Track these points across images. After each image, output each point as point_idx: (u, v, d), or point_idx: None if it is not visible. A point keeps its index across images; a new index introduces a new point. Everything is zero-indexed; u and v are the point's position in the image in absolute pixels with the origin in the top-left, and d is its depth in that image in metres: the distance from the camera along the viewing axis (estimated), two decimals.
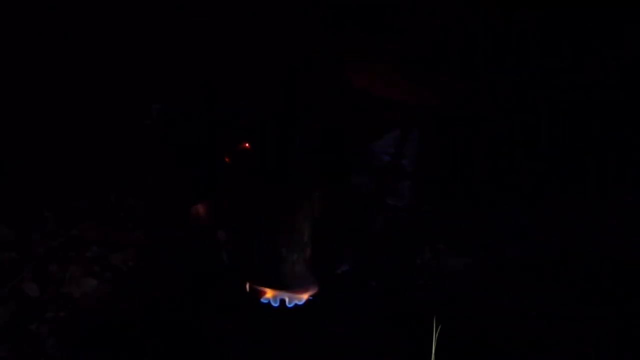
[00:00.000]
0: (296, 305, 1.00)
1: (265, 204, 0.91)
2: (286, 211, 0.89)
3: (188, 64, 1.76)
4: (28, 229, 1.30)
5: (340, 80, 1.09)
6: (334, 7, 1.59)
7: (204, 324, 0.86)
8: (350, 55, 1.12)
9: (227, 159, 0.90)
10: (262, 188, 0.88)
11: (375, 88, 1.36)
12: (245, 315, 1.04)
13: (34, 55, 1.71)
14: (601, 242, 1.27)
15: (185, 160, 1.49)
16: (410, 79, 1.29)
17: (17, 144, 1.50)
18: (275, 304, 0.99)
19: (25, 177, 1.42)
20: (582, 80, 1.39)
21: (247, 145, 0.90)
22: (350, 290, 1.17)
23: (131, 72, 1.74)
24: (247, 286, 1.00)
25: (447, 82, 1.44)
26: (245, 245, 0.96)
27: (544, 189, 1.39)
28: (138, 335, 1.10)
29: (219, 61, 1.72)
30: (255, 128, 0.99)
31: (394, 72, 1.35)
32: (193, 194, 1.38)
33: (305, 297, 1.00)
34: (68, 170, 1.45)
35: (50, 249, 1.26)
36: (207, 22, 1.77)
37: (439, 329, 1.12)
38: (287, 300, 0.99)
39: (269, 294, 0.99)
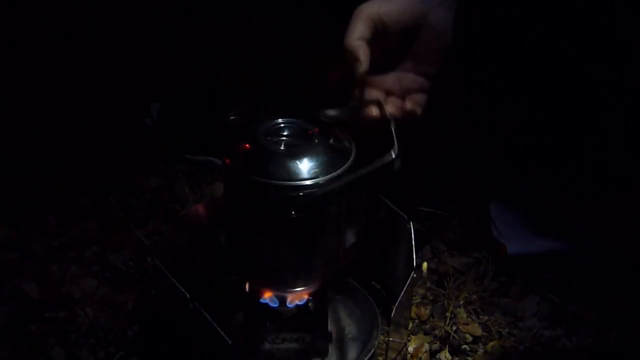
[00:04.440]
0: (296, 305, 1.00)
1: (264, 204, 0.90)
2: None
3: (188, 63, 1.76)
4: (28, 229, 1.30)
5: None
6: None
7: (204, 324, 0.85)
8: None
9: (226, 160, 0.90)
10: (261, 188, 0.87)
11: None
12: (245, 316, 1.04)
13: (34, 55, 1.72)
14: (603, 241, 1.27)
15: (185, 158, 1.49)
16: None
17: (17, 143, 1.50)
18: (275, 304, 0.99)
19: (25, 177, 1.42)
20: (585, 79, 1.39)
21: (246, 145, 0.90)
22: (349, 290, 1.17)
23: (131, 71, 1.75)
24: (247, 286, 1.00)
25: (446, 81, 1.43)
26: (244, 246, 0.95)
27: (545, 188, 1.39)
28: (138, 336, 1.10)
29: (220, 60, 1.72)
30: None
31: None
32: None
33: (305, 297, 1.00)
34: (68, 170, 1.45)
35: (50, 249, 1.26)
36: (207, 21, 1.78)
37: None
38: (287, 300, 0.99)
39: (269, 294, 0.99)
